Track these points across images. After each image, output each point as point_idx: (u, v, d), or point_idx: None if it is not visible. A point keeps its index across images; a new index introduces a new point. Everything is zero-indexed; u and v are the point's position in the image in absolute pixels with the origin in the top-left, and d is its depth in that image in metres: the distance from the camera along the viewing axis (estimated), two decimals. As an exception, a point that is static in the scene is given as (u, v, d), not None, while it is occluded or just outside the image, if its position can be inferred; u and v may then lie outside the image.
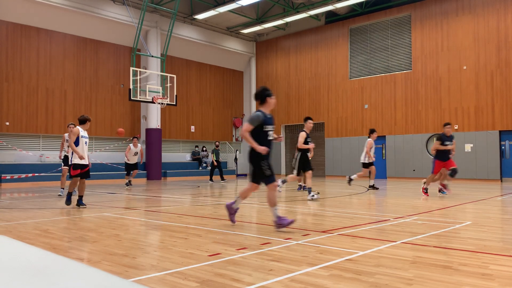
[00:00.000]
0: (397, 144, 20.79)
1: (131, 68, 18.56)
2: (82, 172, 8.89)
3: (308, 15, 22.66)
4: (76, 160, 8.73)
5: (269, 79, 26.32)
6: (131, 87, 18.25)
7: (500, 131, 18.23)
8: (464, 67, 19.08)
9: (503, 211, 8.13)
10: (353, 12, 22.65)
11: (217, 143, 19.17)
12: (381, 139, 21.61)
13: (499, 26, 18.34)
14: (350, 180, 13.23)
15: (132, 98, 18.42)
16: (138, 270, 3.69)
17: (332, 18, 23.52)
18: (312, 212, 7.84)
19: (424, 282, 3.28)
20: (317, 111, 23.95)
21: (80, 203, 8.83)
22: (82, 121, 8.98)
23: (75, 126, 9.20)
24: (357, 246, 4.60)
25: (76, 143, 8.73)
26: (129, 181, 15.98)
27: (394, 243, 4.79)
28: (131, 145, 15.54)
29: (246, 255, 4.20)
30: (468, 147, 18.76)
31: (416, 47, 20.62)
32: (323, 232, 5.57)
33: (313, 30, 24.34)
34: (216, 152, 18.57)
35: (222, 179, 19.10)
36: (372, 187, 13.46)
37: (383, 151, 21.50)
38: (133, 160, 15.59)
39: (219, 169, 18.81)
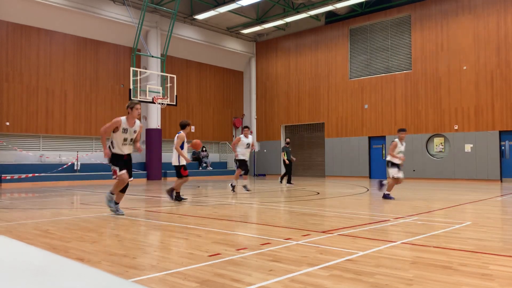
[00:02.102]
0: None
1: (131, 68, 18.56)
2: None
3: (308, 15, 22.66)
4: (183, 162, 9.58)
5: (269, 79, 26.34)
6: (131, 87, 18.25)
7: (500, 131, 18.24)
8: (464, 67, 19.09)
9: (503, 211, 8.13)
10: (353, 12, 22.65)
11: (287, 140, 16.97)
12: (381, 139, 21.62)
13: (499, 26, 18.34)
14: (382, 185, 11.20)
15: (132, 98, 18.42)
16: (138, 270, 3.69)
17: (332, 18, 23.53)
18: (312, 212, 7.84)
19: (424, 282, 3.28)
20: (317, 111, 23.95)
21: (180, 198, 9.79)
22: (183, 126, 9.76)
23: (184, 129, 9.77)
24: (357, 246, 4.60)
25: (182, 147, 9.55)
26: (245, 185, 12.78)
27: (394, 243, 4.79)
28: (241, 136, 12.46)
29: (246, 255, 4.20)
30: (468, 147, 18.76)
31: (416, 47, 20.62)
32: (323, 232, 5.57)
33: (313, 30, 24.35)
34: (286, 150, 16.30)
35: (289, 181, 16.38)
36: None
37: (383, 151, 21.50)
38: (246, 154, 12.49)
39: (288, 170, 16.39)
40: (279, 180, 16.54)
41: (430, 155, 20.06)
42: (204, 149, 24.55)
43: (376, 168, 21.62)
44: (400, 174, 10.08)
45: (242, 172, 12.39)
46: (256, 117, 26.96)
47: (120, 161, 7.09)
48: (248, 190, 12.59)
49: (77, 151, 19.38)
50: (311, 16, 23.04)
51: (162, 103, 19.35)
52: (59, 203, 9.92)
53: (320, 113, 23.88)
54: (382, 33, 21.90)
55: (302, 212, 7.96)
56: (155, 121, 21.42)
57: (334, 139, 23.10)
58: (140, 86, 18.68)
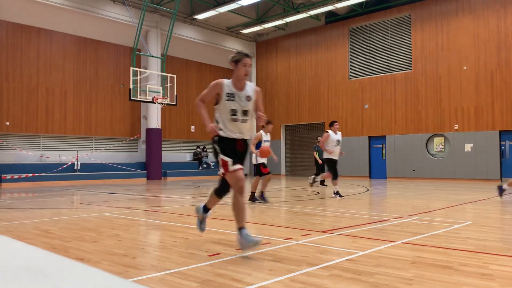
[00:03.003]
0: (397, 144, 20.79)
1: (131, 68, 18.57)
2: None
3: (308, 15, 22.66)
4: (262, 160, 9.34)
5: (269, 79, 26.33)
6: (131, 87, 18.25)
7: (500, 131, 18.23)
8: (464, 67, 19.09)
9: (502, 211, 8.13)
10: (353, 12, 22.65)
11: (319, 138, 15.45)
12: (381, 139, 21.62)
13: (499, 27, 18.34)
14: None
15: (132, 98, 18.43)
16: (138, 270, 3.69)
17: (332, 18, 23.52)
18: (312, 212, 7.84)
19: (424, 282, 3.28)
20: (317, 111, 23.95)
21: (260, 198, 9.42)
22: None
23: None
24: (357, 246, 4.60)
25: (259, 145, 9.31)
26: (337, 191, 10.63)
27: (394, 243, 4.79)
28: (330, 131, 10.53)
29: (246, 255, 4.20)
30: (468, 147, 18.76)
31: (416, 47, 20.62)
32: (323, 232, 5.57)
33: (313, 30, 24.34)
34: (318, 149, 15.42)
35: (321, 183, 15.41)
36: None
37: (383, 151, 21.50)
38: (336, 153, 10.49)
39: (317, 170, 15.60)
40: (314, 181, 13.44)
41: (430, 155, 20.05)
42: (204, 149, 24.54)
43: (376, 168, 21.62)
44: None
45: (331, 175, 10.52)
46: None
47: (230, 149, 4.53)
48: (341, 196, 10.48)
49: (77, 151, 19.38)
50: (311, 16, 23.04)
51: (162, 103, 19.35)
52: (59, 203, 9.92)
53: (320, 113, 23.88)
54: (382, 33, 21.89)
55: (302, 212, 7.96)
56: (155, 121, 21.42)
57: (334, 139, 23.08)
58: (140, 86, 18.68)
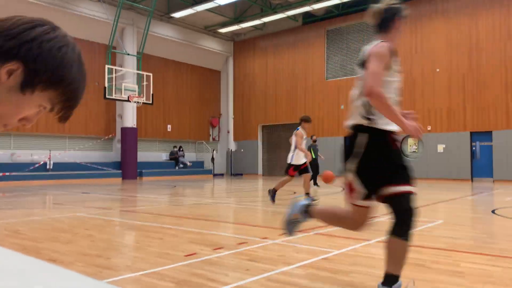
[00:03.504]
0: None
1: (106, 66, 18.26)
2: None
3: (286, 15, 22.76)
4: (299, 161, 8.96)
5: (247, 79, 26.34)
6: (106, 85, 17.95)
7: (471, 132, 18.73)
8: (437, 70, 19.52)
9: (473, 210, 8.35)
10: (330, 14, 22.87)
11: (314, 137, 15.40)
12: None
13: (470, 31, 18.82)
14: None
15: (107, 96, 18.12)
16: (112, 271, 3.63)
17: (310, 19, 23.70)
18: (288, 212, 7.87)
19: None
20: (294, 111, 24.09)
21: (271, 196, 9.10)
22: (305, 121, 9.06)
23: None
24: (333, 245, 4.64)
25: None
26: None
27: (369, 242, 4.86)
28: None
29: (223, 255, 4.19)
30: (440, 148, 19.19)
31: (391, 49, 20.95)
32: (300, 231, 5.60)
33: (291, 30, 24.47)
34: (314, 148, 14.96)
35: (315, 183, 15.00)
36: None
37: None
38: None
39: (314, 170, 14.53)
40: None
41: (405, 155, 20.41)
42: (181, 149, 24.36)
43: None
44: None
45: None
46: (233, 116, 26.92)
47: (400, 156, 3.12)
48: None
49: (50, 150, 18.94)
50: (288, 17, 23.15)
51: (138, 102, 19.10)
52: (31, 203, 9.67)
53: (297, 113, 24.01)
54: (359, 35, 22.18)
55: (280, 211, 7.99)
56: (130, 120, 21.13)
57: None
58: (115, 84, 18.38)
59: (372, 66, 2.75)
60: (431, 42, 19.78)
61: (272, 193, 9.10)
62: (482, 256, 4.20)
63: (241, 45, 26.78)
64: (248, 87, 26.21)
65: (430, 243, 4.79)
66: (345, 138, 2.97)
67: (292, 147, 9.12)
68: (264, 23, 24.65)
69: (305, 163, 9.02)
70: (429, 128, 19.59)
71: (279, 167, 25.13)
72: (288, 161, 9.19)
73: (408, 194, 2.79)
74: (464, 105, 18.82)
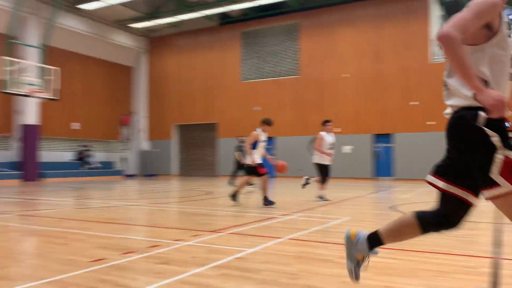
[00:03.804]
0: (286, 145, 21.74)
1: (4, 58, 16.71)
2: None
3: (202, 15, 22.60)
4: (256, 160, 8.74)
5: (162, 77, 25.73)
6: (3, 78, 16.41)
7: (375, 135, 20.12)
8: (346, 75, 20.68)
9: (375, 207, 8.95)
10: (246, 16, 23.16)
11: (241, 138, 15.31)
12: (270, 140, 22.43)
13: (375, 39, 20.21)
14: None
15: (4, 90, 16.58)
16: (10, 281, 3.31)
17: (226, 20, 23.79)
18: (203, 212, 7.82)
19: (308, 276, 3.45)
20: (210, 111, 24.03)
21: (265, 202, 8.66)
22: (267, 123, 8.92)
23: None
24: (246, 244, 4.68)
25: (255, 145, 8.79)
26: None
27: (281, 239, 4.98)
28: (323, 133, 9.74)
29: (133, 259, 4.02)
30: (347, 149, 20.35)
31: (304, 54, 21.80)
32: (213, 231, 5.58)
33: (207, 30, 24.38)
34: (241, 149, 14.89)
35: (231, 182, 14.83)
36: None
37: (273, 152, 22.33)
38: (328, 157, 9.80)
39: (236, 170, 14.97)
40: (307, 182, 11.30)
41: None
42: (88, 148, 23.06)
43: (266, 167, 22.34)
44: None
45: (320, 179, 9.90)
46: (147, 115, 26.14)
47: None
48: (326, 200, 9.73)
49: None
50: (204, 16, 23.01)
51: (41, 97, 17.74)
52: None
53: (214, 113, 24.00)
54: (273, 38, 22.74)
55: (193, 212, 7.90)
56: (32, 117, 19.55)
57: (227, 139, 23.38)
58: (14, 78, 16.88)
59: (461, 13, 2.09)
60: (340, 49, 20.90)
61: (265, 200, 8.74)
62: (383, 250, 4.51)
63: (156, 41, 26.10)
64: (163, 85, 25.62)
65: (337, 239, 5.03)
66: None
67: (247, 151, 8.97)
68: (180, 21, 24.26)
69: (261, 164, 8.94)
70: (339, 130, 20.68)
71: (195, 167, 24.89)
72: (249, 163, 8.92)
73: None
74: (369, 109, 20.14)
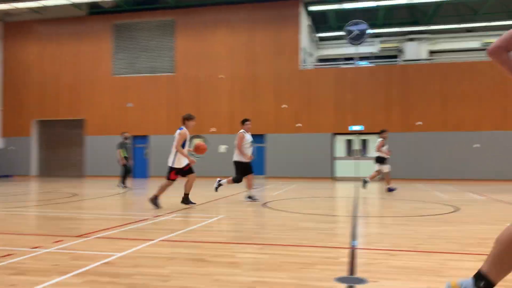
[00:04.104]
0: (161, 144, 21.25)
1: None
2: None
3: (69, 2, 20.88)
4: (181, 164, 8.38)
5: (21, 67, 23.14)
6: None
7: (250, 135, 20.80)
8: (222, 76, 20.99)
9: (250, 204, 9.23)
10: (118, 8, 22.07)
11: (126, 134, 14.29)
12: (144, 139, 21.73)
13: (249, 43, 20.89)
14: (366, 182, 12.49)
15: None
16: None
17: (96, 10, 22.35)
18: (67, 216, 7.22)
19: (179, 277, 3.40)
20: (77, 107, 22.35)
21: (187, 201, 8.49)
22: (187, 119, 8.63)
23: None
24: (115, 248, 4.44)
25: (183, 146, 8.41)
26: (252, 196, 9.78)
27: (153, 241, 4.83)
28: (243, 131, 9.99)
29: (-21, 271, 3.52)
30: (223, 148, 20.69)
31: (179, 52, 21.55)
32: (78, 236, 5.18)
33: (75, 19, 22.62)
34: (125, 146, 13.96)
35: (123, 183, 13.92)
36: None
37: (147, 151, 21.65)
38: (248, 155, 9.92)
39: (126, 170, 13.95)
40: (220, 184, 10.43)
41: (191, 154, 21.30)
42: None
43: (140, 167, 21.59)
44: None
45: (235, 178, 9.76)
46: (1, 108, 23.27)
47: None
48: (254, 200, 9.60)
49: None
50: (72, 4, 21.30)
51: None
52: None
53: (81, 108, 22.36)
54: (147, 33, 22.05)
55: (56, 216, 7.24)
56: None
57: (96, 137, 21.98)
58: None
59: (504, 34, 2.48)
60: (216, 49, 21.15)
61: (154, 200, 8.28)
62: (254, 245, 4.67)
63: (14, 27, 23.36)
64: (22, 76, 23.05)
65: (211, 238, 5.06)
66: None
67: (173, 149, 8.48)
68: (43, 6, 22.07)
69: (188, 164, 8.58)
70: (214, 129, 20.89)
71: (58, 167, 22.91)
72: (169, 165, 8.52)
73: None
74: (244, 110, 20.74)
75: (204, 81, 21.18)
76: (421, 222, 6.57)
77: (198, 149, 8.87)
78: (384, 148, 12.35)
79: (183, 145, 8.42)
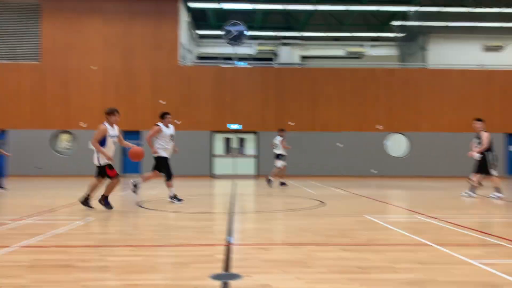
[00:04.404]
0: (22, 139, 19.17)
1: None
2: None
3: None
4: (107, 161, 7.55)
5: None
6: None
7: (123, 131, 19.86)
8: (94, 67, 19.71)
9: (123, 204, 8.82)
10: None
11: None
12: (2, 134, 19.39)
13: (125, 35, 19.97)
14: (269, 181, 13.71)
15: None
16: None
17: None
18: None
19: (41, 285, 3.10)
20: None
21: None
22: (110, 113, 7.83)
23: None
24: (-39, 259, 3.88)
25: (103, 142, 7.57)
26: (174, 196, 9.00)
27: (11, 248, 4.34)
28: (161, 124, 8.97)
29: None
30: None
31: (46, 39, 19.69)
32: None
33: None
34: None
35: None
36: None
37: (5, 147, 19.34)
38: (169, 150, 9.19)
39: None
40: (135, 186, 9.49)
41: (56, 151, 19.65)
42: None
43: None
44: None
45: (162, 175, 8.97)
46: None
47: None
48: (179, 200, 8.87)
49: None
50: None
51: None
52: None
53: None
54: (8, 15, 19.73)
55: None
56: None
57: None
58: None
59: None
60: (89, 39, 19.79)
61: (104, 200, 7.65)
62: (127, 248, 4.48)
63: None
64: None
65: (79, 242, 4.72)
66: None
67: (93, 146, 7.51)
68: None
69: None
70: (84, 124, 19.54)
71: None
72: (96, 163, 7.54)
73: None
74: (118, 105, 19.72)
75: (74, 72, 19.69)
76: (292, 216, 6.98)
77: (133, 155, 8.07)
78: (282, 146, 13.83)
79: (104, 142, 7.60)
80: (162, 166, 8.87)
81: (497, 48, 24.08)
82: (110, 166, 7.61)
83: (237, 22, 20.55)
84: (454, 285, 3.18)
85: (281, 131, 14.04)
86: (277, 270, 3.57)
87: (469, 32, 23.56)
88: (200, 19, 24.08)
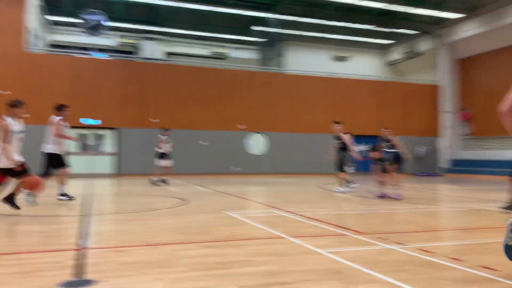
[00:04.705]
0: None
1: None
2: None
3: None
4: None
5: None
6: None
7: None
8: None
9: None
10: None
11: None
12: None
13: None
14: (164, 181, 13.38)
15: None
16: None
17: None
18: None
19: None
20: None
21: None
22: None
23: None
24: None
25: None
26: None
27: None
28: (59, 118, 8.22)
29: None
30: None
31: None
32: None
33: None
34: None
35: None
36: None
37: None
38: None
39: None
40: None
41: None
42: None
43: None
44: None
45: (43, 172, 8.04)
46: None
47: None
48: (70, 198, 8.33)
49: None
50: None
51: None
52: None
53: None
54: None
55: None
56: None
57: None
58: None
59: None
60: None
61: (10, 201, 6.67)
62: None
63: None
64: None
65: None
66: None
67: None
68: None
69: (22, 163, 6.42)
70: None
71: None
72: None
73: None
74: None
75: None
76: (153, 216, 6.80)
77: (34, 185, 6.69)
78: (168, 145, 13.94)
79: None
80: (52, 161, 8.20)
81: (343, 58, 26.89)
82: (4, 172, 6.33)
83: (96, 11, 19.21)
84: (304, 274, 3.42)
85: (165, 130, 14.08)
86: (135, 273, 3.41)
87: (321, 42, 25.88)
88: (53, 3, 21.91)
